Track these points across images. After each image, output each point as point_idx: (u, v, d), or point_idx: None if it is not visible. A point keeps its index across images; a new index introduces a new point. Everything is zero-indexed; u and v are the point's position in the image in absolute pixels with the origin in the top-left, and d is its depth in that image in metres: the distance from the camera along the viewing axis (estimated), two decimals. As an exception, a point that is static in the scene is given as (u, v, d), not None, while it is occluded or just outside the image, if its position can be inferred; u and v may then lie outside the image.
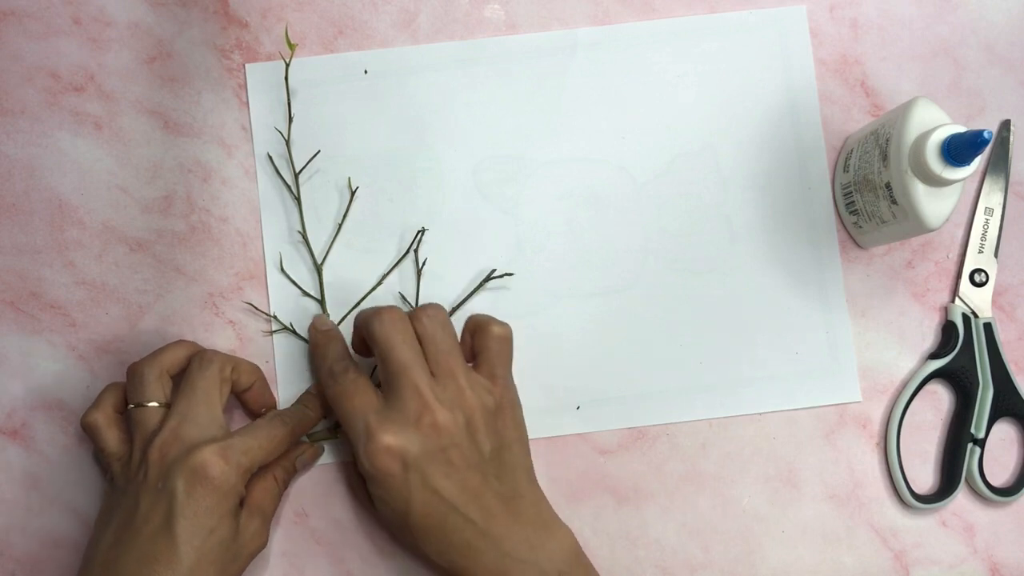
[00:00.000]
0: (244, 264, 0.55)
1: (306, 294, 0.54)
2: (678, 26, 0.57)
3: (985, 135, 0.45)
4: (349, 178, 0.55)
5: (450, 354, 0.48)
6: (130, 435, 0.49)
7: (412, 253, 0.55)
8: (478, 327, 0.50)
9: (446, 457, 0.46)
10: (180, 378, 0.50)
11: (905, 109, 0.49)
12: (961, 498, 0.55)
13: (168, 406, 0.49)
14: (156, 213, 0.55)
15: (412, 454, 0.45)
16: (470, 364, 0.49)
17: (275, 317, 0.54)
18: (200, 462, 0.45)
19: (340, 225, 0.55)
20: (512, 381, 0.50)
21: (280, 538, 0.53)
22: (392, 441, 0.45)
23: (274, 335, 0.54)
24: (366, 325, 0.48)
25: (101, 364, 0.54)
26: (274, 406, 0.53)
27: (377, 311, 0.48)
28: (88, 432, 0.49)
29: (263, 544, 0.49)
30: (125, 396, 0.50)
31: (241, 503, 0.48)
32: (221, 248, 0.55)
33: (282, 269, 0.54)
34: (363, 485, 0.50)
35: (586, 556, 0.48)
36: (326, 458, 0.54)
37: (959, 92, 0.57)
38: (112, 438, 0.49)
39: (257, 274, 0.55)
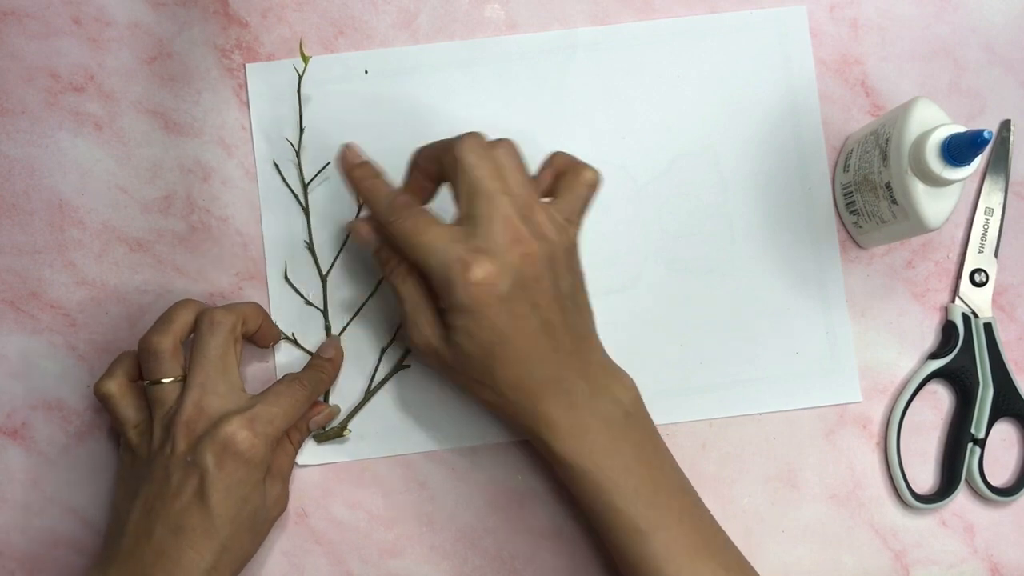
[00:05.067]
0: (244, 264, 0.55)
1: (309, 303, 0.54)
2: (678, 26, 0.57)
3: (985, 135, 0.45)
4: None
5: (528, 188, 0.46)
6: (145, 403, 0.49)
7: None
8: (569, 168, 0.48)
9: (538, 287, 0.45)
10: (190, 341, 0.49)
11: (905, 109, 0.49)
12: (961, 498, 0.55)
13: (184, 377, 0.48)
14: (156, 213, 0.55)
15: (507, 283, 0.44)
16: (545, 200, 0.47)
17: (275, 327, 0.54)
18: (229, 435, 0.45)
19: (347, 236, 0.55)
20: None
21: (280, 538, 0.53)
22: (489, 269, 0.43)
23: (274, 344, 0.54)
24: (448, 153, 0.46)
25: (101, 364, 0.54)
26: (279, 336, 0.53)
27: (460, 138, 0.46)
28: (103, 401, 0.49)
29: (285, 507, 0.50)
30: (139, 365, 0.50)
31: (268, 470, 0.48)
32: (221, 248, 0.55)
33: (286, 278, 0.54)
34: (428, 326, 0.47)
35: (643, 402, 0.48)
36: (326, 458, 0.54)
37: (959, 92, 0.57)
38: (128, 406, 0.49)
39: (257, 275, 0.55)
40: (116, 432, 0.53)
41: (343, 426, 0.53)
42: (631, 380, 0.48)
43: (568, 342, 0.46)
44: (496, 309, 0.44)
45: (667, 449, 0.48)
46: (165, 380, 0.48)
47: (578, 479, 0.46)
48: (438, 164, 0.47)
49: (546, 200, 0.47)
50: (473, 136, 0.46)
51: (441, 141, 0.47)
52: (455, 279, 0.44)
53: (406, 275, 0.48)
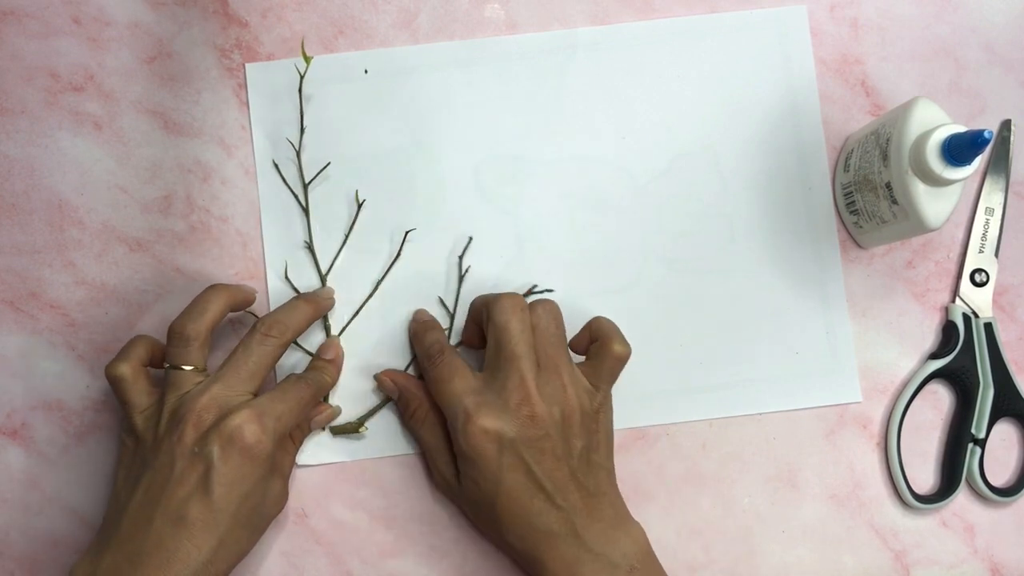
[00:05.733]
0: (244, 264, 0.55)
1: None
2: (678, 26, 0.56)
3: (985, 135, 0.45)
4: (356, 191, 0.55)
5: (558, 349, 0.49)
6: (157, 389, 0.49)
7: (402, 252, 0.55)
8: (601, 335, 0.51)
9: (539, 446, 0.47)
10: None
11: (905, 109, 0.49)
12: (961, 498, 0.55)
13: (204, 369, 0.49)
14: (156, 213, 0.55)
15: (507, 437, 0.47)
16: (580, 360, 0.51)
17: None
18: (236, 428, 0.45)
19: (347, 236, 0.55)
20: (610, 391, 0.51)
21: (280, 538, 0.53)
22: (490, 424, 0.47)
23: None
24: (486, 308, 0.50)
25: (101, 364, 0.54)
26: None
27: (498, 296, 0.49)
28: (113, 383, 0.49)
29: (284, 506, 0.50)
30: (153, 350, 0.50)
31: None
32: (221, 248, 0.55)
33: (286, 277, 0.54)
34: (445, 468, 0.51)
35: (655, 555, 0.49)
36: (326, 458, 0.54)
37: (959, 92, 0.57)
38: (138, 391, 0.49)
39: (257, 275, 0.55)
40: (119, 420, 0.53)
41: (360, 422, 0.53)
42: (641, 532, 0.49)
43: (576, 499, 0.47)
44: (495, 462, 0.47)
45: None
46: (187, 367, 0.48)
47: None
48: (481, 315, 0.51)
49: (579, 361, 0.51)
50: (509, 296, 0.49)
51: (486, 296, 0.51)
52: (459, 428, 0.47)
53: (424, 420, 0.52)
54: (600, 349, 0.50)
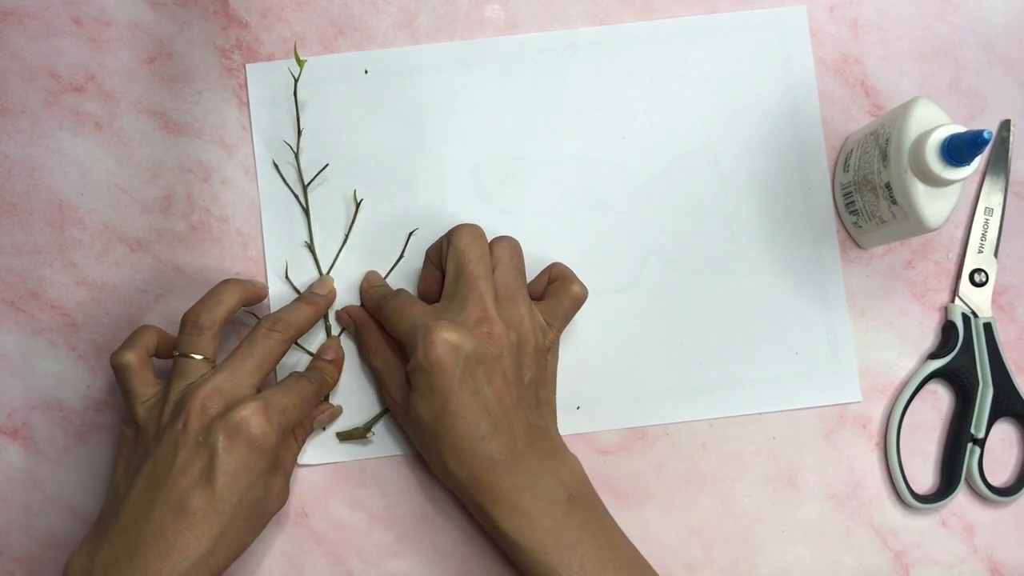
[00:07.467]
0: (244, 264, 0.55)
1: None
2: (678, 26, 0.57)
3: (985, 135, 0.45)
4: (355, 190, 0.55)
5: (517, 283, 0.50)
6: (160, 380, 0.49)
7: (405, 254, 0.55)
8: (560, 276, 0.52)
9: (492, 366, 0.47)
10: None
11: (905, 109, 0.49)
12: (961, 498, 0.55)
13: (213, 360, 0.49)
14: (156, 213, 0.55)
15: (466, 351, 0.47)
16: (535, 300, 0.52)
17: None
18: (243, 419, 0.45)
19: (346, 236, 0.55)
20: (559, 337, 0.52)
21: (280, 538, 0.53)
22: (450, 335, 0.47)
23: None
24: (447, 238, 0.50)
25: (101, 364, 0.54)
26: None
27: (459, 225, 0.50)
28: (118, 372, 0.49)
29: (284, 502, 0.50)
30: (160, 340, 0.50)
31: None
32: (221, 248, 0.55)
33: (287, 277, 0.54)
34: (396, 390, 0.51)
35: (591, 484, 0.50)
36: (327, 458, 0.54)
37: (959, 92, 0.57)
38: (142, 380, 0.49)
39: (257, 275, 0.55)
40: (120, 414, 0.53)
41: (367, 428, 0.53)
42: (576, 462, 0.50)
43: (518, 427, 0.48)
44: (449, 374, 0.46)
45: (616, 526, 0.49)
46: (197, 356, 0.48)
47: (523, 556, 0.47)
48: (440, 253, 0.51)
49: (536, 302, 0.51)
50: (469, 225, 0.50)
51: (445, 234, 0.51)
52: (418, 341, 0.47)
53: (377, 350, 0.52)
54: (559, 288, 0.51)
